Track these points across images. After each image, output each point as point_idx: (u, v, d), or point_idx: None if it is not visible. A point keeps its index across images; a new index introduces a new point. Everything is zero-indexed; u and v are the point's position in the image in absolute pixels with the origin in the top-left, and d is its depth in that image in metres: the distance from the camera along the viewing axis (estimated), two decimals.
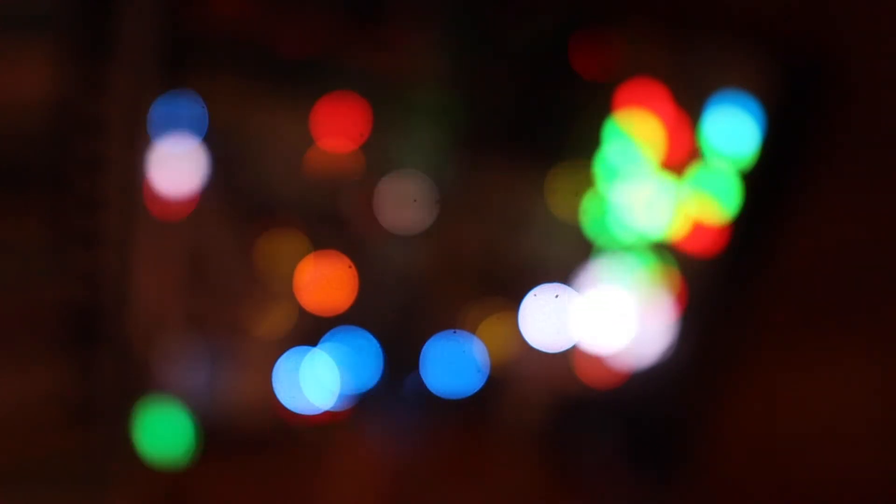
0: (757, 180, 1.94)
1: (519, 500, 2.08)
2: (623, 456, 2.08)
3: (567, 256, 2.03)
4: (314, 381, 2.01)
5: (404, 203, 2.02)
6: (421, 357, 2.02)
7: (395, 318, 2.07)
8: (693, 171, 1.99)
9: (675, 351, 2.00)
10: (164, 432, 1.99)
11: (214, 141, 2.00)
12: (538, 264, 2.06)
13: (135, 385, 2.00)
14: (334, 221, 2.04)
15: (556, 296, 1.99)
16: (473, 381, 2.04)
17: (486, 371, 2.03)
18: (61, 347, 1.96)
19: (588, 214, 2.02)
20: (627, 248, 2.02)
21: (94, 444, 1.96)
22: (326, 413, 2.02)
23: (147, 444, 1.98)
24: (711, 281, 1.99)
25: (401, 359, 2.03)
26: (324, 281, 2.04)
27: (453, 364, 2.04)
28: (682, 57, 1.97)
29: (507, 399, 2.09)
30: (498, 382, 2.05)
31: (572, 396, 2.08)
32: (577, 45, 2.00)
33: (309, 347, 2.02)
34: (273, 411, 2.02)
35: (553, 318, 1.98)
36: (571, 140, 2.04)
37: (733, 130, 1.93)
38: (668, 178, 1.99)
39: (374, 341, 2.03)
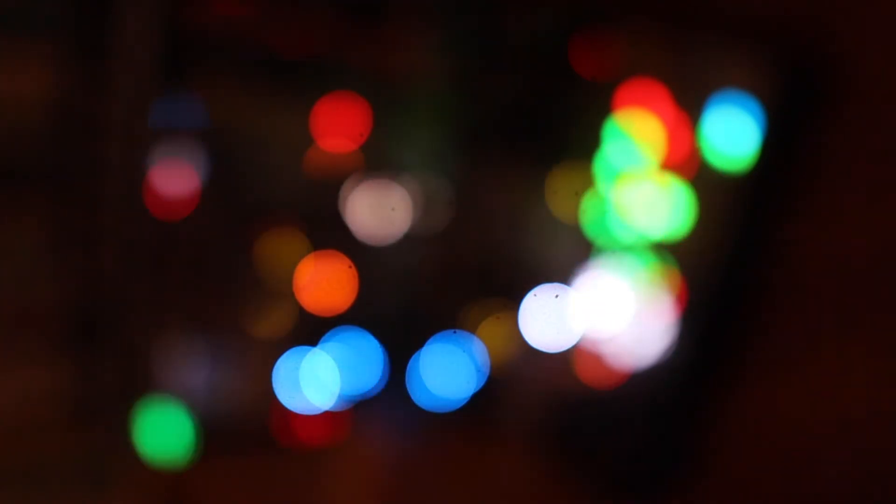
0: (757, 180, 1.93)
1: (519, 500, 2.08)
2: (623, 456, 2.07)
3: (567, 256, 2.03)
4: (314, 381, 2.01)
5: (394, 206, 2.02)
6: (421, 357, 2.02)
7: (395, 318, 2.07)
8: (693, 171, 1.99)
9: (675, 351, 2.00)
10: (164, 432, 1.99)
11: (214, 141, 2.00)
12: (538, 264, 2.06)
13: (135, 385, 2.00)
14: (334, 221, 2.04)
15: (556, 296, 1.99)
16: (473, 382, 2.04)
17: (486, 371, 2.03)
18: (61, 347, 1.96)
19: (588, 214, 2.02)
20: (627, 248, 2.02)
21: (94, 444, 1.97)
22: (326, 413, 2.03)
23: (147, 444, 1.98)
24: (711, 281, 1.99)
25: (401, 359, 2.03)
26: (324, 281, 2.04)
27: (453, 364, 2.04)
28: (682, 57, 1.97)
29: (507, 399, 2.09)
30: (498, 382, 2.05)
31: (572, 396, 2.08)
32: (577, 45, 2.00)
33: (309, 347, 2.02)
34: (273, 411, 2.03)
35: (553, 318, 1.98)
36: (571, 140, 2.04)
37: (733, 130, 1.93)
38: (668, 178, 1.99)
39: (374, 341, 2.03)
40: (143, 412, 1.99)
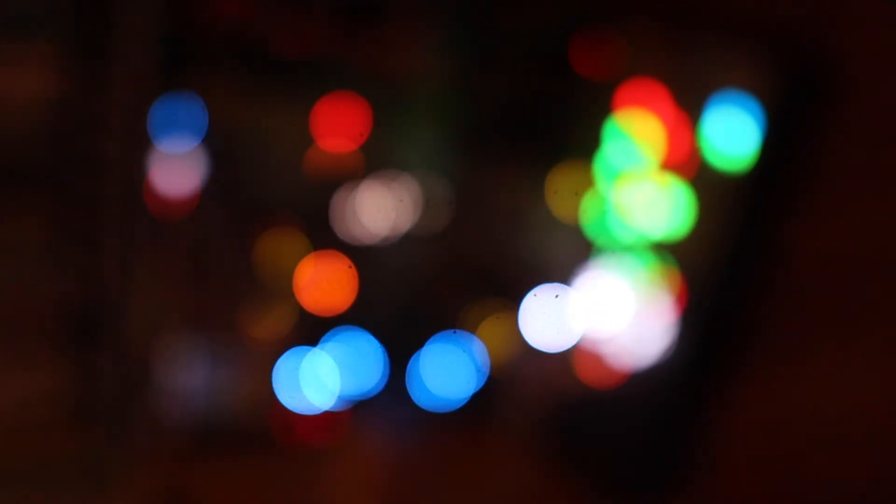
0: (757, 180, 1.94)
1: (519, 500, 2.08)
2: (623, 456, 2.07)
3: (567, 256, 2.03)
4: (314, 381, 2.01)
5: (402, 204, 2.03)
6: (421, 357, 2.02)
7: (395, 318, 2.07)
8: (693, 171, 1.99)
9: (675, 351, 2.00)
10: None
11: (214, 141, 2.00)
12: (538, 264, 2.06)
13: (135, 385, 2.00)
14: (334, 221, 2.04)
15: (556, 296, 1.98)
16: (473, 382, 2.04)
17: (486, 371, 2.03)
18: (61, 347, 1.96)
19: (588, 214, 2.02)
20: (627, 248, 2.02)
21: (94, 444, 1.96)
22: (326, 413, 2.02)
23: None
24: (711, 281, 1.99)
25: (401, 359, 2.03)
26: (324, 281, 2.04)
27: (453, 364, 2.04)
28: (682, 57, 1.97)
29: (507, 399, 2.08)
30: (498, 382, 2.05)
31: (572, 396, 2.08)
32: (577, 45, 2.00)
33: (309, 347, 2.02)
34: (273, 411, 2.03)
35: (553, 318, 1.98)
36: (571, 140, 2.04)
37: (733, 130, 1.93)
38: (668, 178, 1.99)
39: (374, 341, 2.03)
40: None
